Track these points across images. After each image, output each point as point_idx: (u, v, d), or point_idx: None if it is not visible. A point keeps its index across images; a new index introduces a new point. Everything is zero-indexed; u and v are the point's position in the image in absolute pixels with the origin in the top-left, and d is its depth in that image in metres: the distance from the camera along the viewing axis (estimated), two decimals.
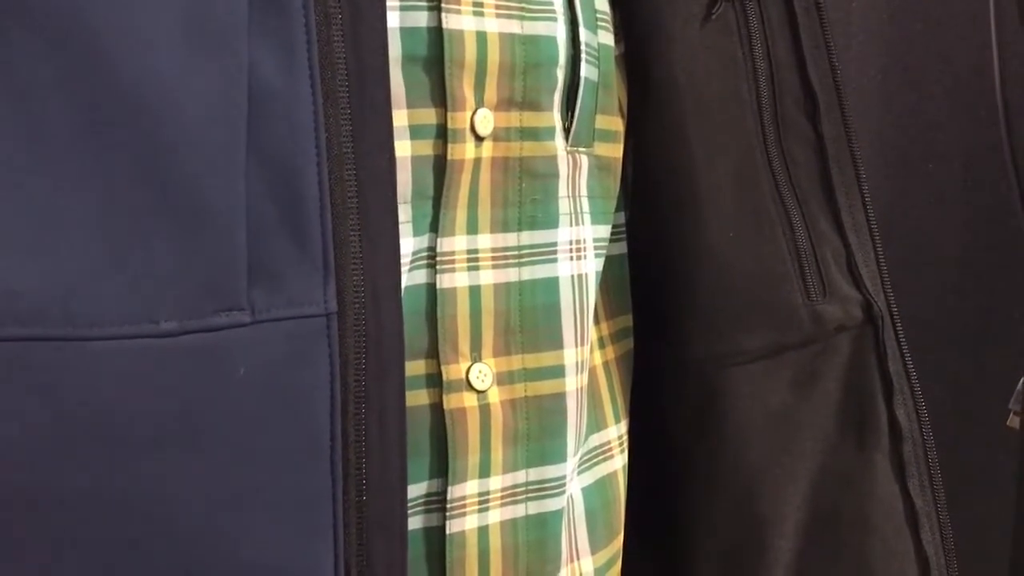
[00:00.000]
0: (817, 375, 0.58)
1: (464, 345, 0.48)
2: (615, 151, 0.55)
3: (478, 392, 0.48)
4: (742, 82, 0.57)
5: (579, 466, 0.55)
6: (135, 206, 0.37)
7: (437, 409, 0.48)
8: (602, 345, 0.58)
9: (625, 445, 0.59)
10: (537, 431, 0.50)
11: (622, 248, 0.59)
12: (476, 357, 0.49)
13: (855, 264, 0.59)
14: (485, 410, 0.49)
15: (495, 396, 0.49)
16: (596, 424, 0.57)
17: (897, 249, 1.20)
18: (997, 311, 1.23)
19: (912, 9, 1.21)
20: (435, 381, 0.48)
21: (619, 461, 0.58)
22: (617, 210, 0.57)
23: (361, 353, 0.40)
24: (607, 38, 0.54)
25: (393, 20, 0.45)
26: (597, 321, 0.57)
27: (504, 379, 0.49)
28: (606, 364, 0.58)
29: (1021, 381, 1.04)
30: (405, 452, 0.42)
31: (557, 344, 0.51)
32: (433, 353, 0.48)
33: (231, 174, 0.38)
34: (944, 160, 1.23)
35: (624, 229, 0.59)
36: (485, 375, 0.49)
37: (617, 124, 0.56)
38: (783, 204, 0.57)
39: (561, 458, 0.51)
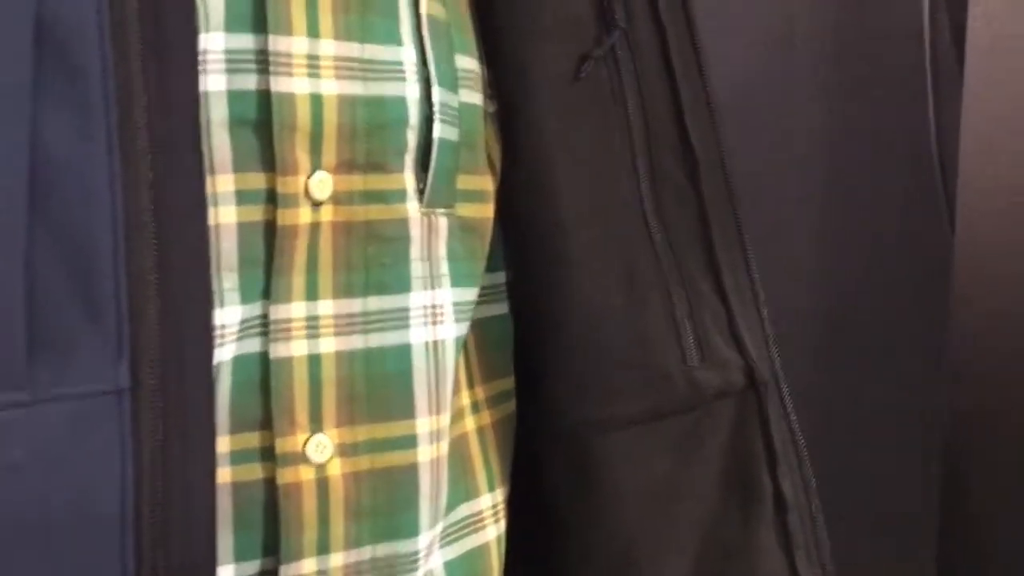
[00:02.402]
0: (698, 442, 0.56)
1: (302, 416, 0.46)
2: (483, 211, 0.54)
3: (316, 465, 0.46)
4: (616, 140, 0.55)
5: (441, 539, 0.53)
6: None
7: (271, 483, 0.46)
8: (476, 410, 0.56)
9: (501, 514, 0.57)
10: (385, 504, 0.48)
11: (503, 308, 0.58)
12: (316, 428, 0.47)
13: (737, 327, 0.57)
14: (323, 483, 0.47)
15: (336, 468, 0.47)
16: (466, 493, 0.54)
17: (837, 250, 1.28)
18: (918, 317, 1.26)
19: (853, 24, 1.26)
20: (269, 454, 0.46)
21: (492, 531, 0.56)
22: (495, 270, 0.56)
23: (158, 429, 0.39)
24: (472, 96, 0.52)
25: (220, 83, 0.43)
26: (472, 385, 0.56)
27: (347, 451, 0.47)
28: (480, 430, 0.56)
29: None
30: (214, 531, 0.41)
31: (408, 413, 0.49)
32: (268, 425, 0.46)
33: (7, 245, 0.36)
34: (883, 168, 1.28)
35: (504, 289, 0.58)
36: (324, 447, 0.47)
37: (486, 183, 0.54)
38: (659, 265, 0.56)
39: (412, 532, 0.49)
